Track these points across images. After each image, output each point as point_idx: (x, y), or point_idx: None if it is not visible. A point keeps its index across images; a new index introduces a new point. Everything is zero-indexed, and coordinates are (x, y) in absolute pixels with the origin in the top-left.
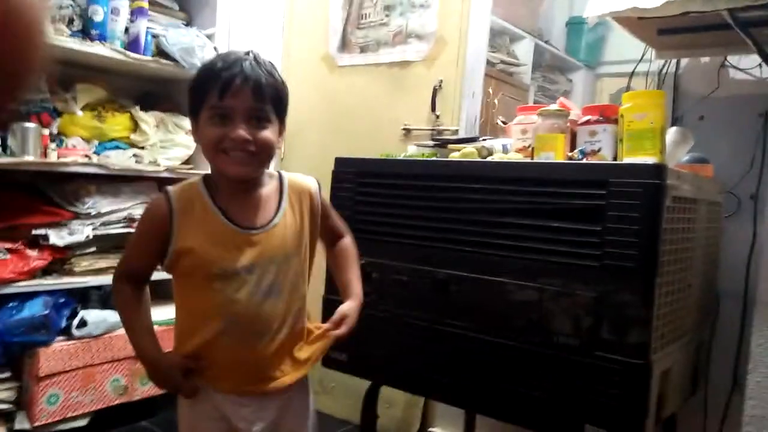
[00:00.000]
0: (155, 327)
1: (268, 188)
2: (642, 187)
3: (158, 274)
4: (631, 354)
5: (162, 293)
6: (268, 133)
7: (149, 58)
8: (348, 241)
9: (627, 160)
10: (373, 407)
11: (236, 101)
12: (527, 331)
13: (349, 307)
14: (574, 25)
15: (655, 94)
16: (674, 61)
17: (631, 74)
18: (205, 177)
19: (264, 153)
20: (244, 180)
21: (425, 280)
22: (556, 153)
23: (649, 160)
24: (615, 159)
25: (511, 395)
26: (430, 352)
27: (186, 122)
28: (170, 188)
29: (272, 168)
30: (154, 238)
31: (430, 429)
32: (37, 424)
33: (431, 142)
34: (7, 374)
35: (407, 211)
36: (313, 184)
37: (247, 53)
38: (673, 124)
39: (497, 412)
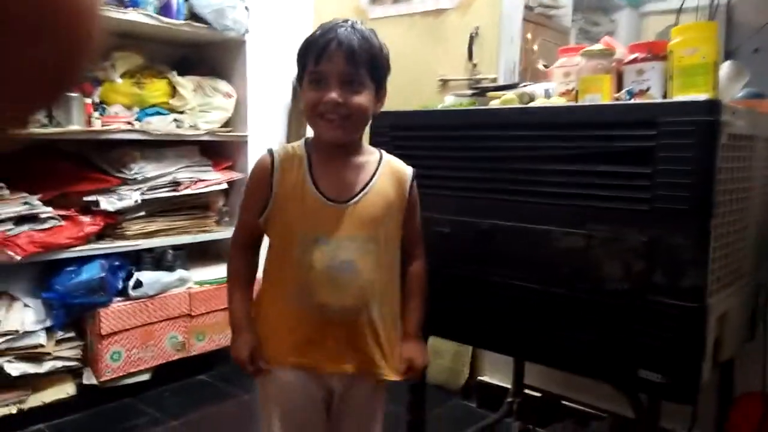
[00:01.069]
0: (208, 286)
1: (365, 161)
2: (695, 125)
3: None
4: (686, 298)
5: (214, 254)
6: (361, 98)
7: (182, 21)
8: (420, 268)
9: (678, 98)
10: None
11: (330, 66)
12: (575, 278)
13: (410, 348)
14: None
15: (707, 26)
16: None
17: (679, 9)
18: (306, 141)
19: (357, 117)
20: (338, 144)
21: (468, 231)
22: (602, 95)
23: (702, 97)
24: (664, 98)
25: (562, 342)
26: (477, 303)
27: (223, 85)
28: (275, 147)
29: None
30: (258, 193)
31: (479, 377)
32: (103, 379)
33: (469, 91)
34: (71, 334)
35: (447, 162)
36: (410, 171)
37: (345, 21)
38: (726, 58)
39: (547, 359)
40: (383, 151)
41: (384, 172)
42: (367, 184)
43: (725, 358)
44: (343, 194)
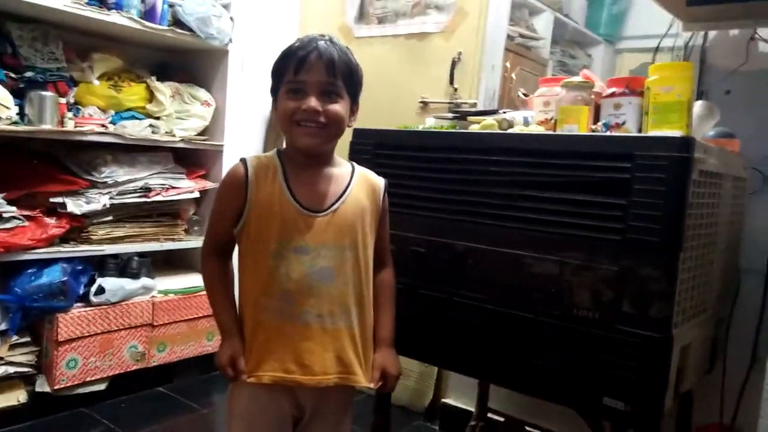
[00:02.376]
0: (172, 296)
1: (339, 172)
2: (669, 160)
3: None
4: (653, 328)
5: (180, 263)
6: (338, 107)
7: (165, 27)
8: (390, 276)
9: (653, 133)
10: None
11: (309, 75)
12: (546, 304)
13: (383, 357)
14: None
15: (683, 66)
16: (701, 34)
17: (656, 48)
18: (279, 151)
19: (334, 126)
20: (314, 153)
21: (443, 252)
22: (579, 126)
23: (677, 133)
24: (639, 132)
25: (528, 367)
26: (447, 324)
27: (202, 93)
28: (247, 157)
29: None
30: (232, 202)
31: (443, 400)
32: (57, 387)
33: (450, 114)
34: (26, 338)
35: (426, 183)
36: (382, 182)
37: (323, 35)
38: (698, 98)
39: (514, 384)
40: (354, 163)
41: (358, 182)
42: (342, 193)
43: (686, 388)
44: (320, 204)
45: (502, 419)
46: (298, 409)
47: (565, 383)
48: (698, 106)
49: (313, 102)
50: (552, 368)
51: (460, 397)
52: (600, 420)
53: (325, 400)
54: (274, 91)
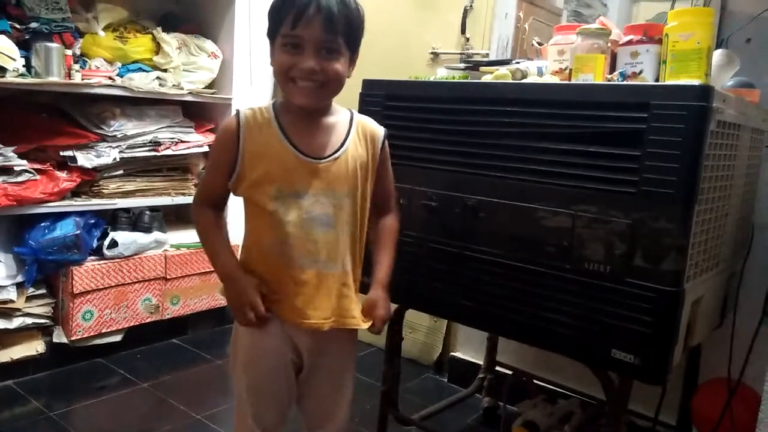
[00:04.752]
0: (185, 250)
1: (337, 121)
2: (686, 109)
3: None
4: (665, 281)
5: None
6: (338, 65)
7: None
8: (394, 222)
9: (671, 82)
10: (399, 330)
11: (307, 31)
12: (557, 257)
13: (376, 296)
14: None
15: (704, 11)
16: None
17: None
18: (276, 103)
19: (332, 84)
20: (310, 109)
21: (454, 205)
22: (595, 74)
23: (694, 82)
24: (657, 82)
25: (538, 320)
26: (457, 277)
27: (209, 44)
28: (241, 109)
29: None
30: (225, 155)
31: (452, 353)
32: (73, 338)
33: (462, 65)
34: (43, 291)
35: (437, 135)
36: (381, 131)
37: None
38: (718, 47)
39: (523, 337)
40: (354, 111)
41: (357, 131)
42: (342, 143)
43: (695, 343)
44: (319, 151)
45: (510, 372)
46: (298, 356)
47: (574, 336)
48: (718, 54)
49: (310, 62)
50: (562, 321)
51: (469, 350)
52: (608, 373)
53: (324, 349)
54: (271, 35)
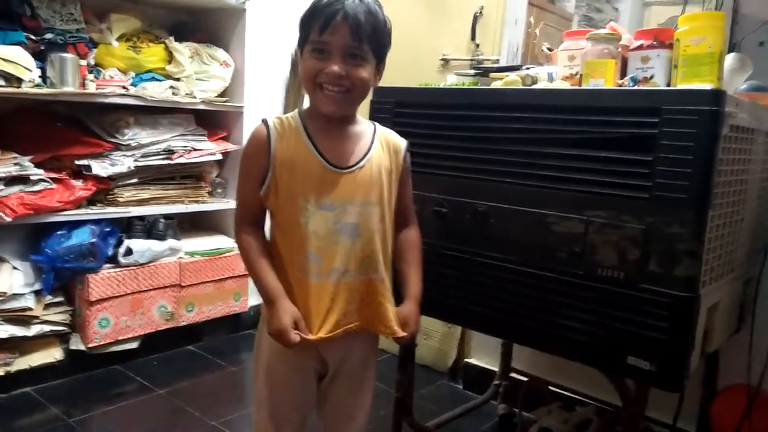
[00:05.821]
0: (199, 257)
1: (361, 130)
2: (698, 114)
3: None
4: (680, 287)
5: (205, 225)
6: (363, 72)
7: None
8: (416, 234)
9: (681, 87)
10: None
11: (334, 37)
12: (570, 263)
13: (410, 310)
14: None
15: (715, 15)
16: None
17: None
18: (300, 111)
19: (357, 91)
20: (336, 117)
21: (465, 211)
22: (605, 80)
23: (706, 87)
24: (668, 86)
25: (552, 326)
26: (470, 284)
27: (220, 53)
28: (268, 118)
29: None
30: (256, 163)
31: (466, 360)
32: (91, 345)
33: (472, 71)
34: (60, 298)
35: (448, 141)
36: (404, 143)
37: None
38: (730, 50)
39: (537, 343)
40: (376, 123)
41: (380, 141)
42: (367, 151)
43: (712, 349)
44: (345, 160)
45: (525, 379)
46: (322, 364)
47: (589, 343)
48: (730, 58)
49: (336, 67)
50: (576, 328)
51: (484, 356)
52: (624, 379)
53: (348, 356)
54: (301, 44)
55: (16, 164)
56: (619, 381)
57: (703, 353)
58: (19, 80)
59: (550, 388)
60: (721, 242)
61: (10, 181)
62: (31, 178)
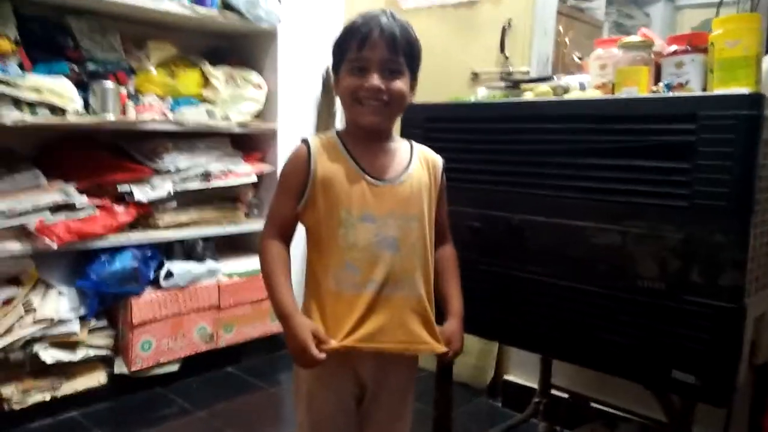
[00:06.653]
0: (237, 278)
1: (399, 147)
2: (736, 119)
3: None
4: (724, 298)
5: (242, 246)
6: (401, 84)
7: (215, 11)
8: (453, 251)
9: (719, 91)
10: None
11: (372, 53)
12: (609, 276)
13: (454, 327)
14: None
15: (750, 17)
16: None
17: (720, 2)
18: (337, 131)
19: (395, 103)
20: (376, 130)
21: (499, 225)
22: (639, 87)
23: (744, 90)
24: (704, 91)
25: (593, 341)
26: (507, 299)
27: (254, 76)
28: (308, 136)
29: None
30: (295, 179)
31: (505, 376)
32: (133, 368)
33: (502, 84)
34: (104, 322)
35: (480, 155)
36: (441, 160)
37: (384, 11)
38: (767, 53)
39: (578, 358)
40: (412, 140)
41: (419, 158)
42: (406, 167)
43: (761, 361)
44: (386, 174)
45: (566, 396)
46: (360, 387)
47: (632, 357)
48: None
49: (375, 80)
50: (618, 342)
51: (523, 373)
52: (669, 394)
53: (386, 377)
54: (336, 67)
55: (61, 192)
56: (663, 396)
57: (751, 366)
58: (64, 111)
59: (592, 404)
60: (766, 250)
61: (56, 208)
62: (76, 205)
